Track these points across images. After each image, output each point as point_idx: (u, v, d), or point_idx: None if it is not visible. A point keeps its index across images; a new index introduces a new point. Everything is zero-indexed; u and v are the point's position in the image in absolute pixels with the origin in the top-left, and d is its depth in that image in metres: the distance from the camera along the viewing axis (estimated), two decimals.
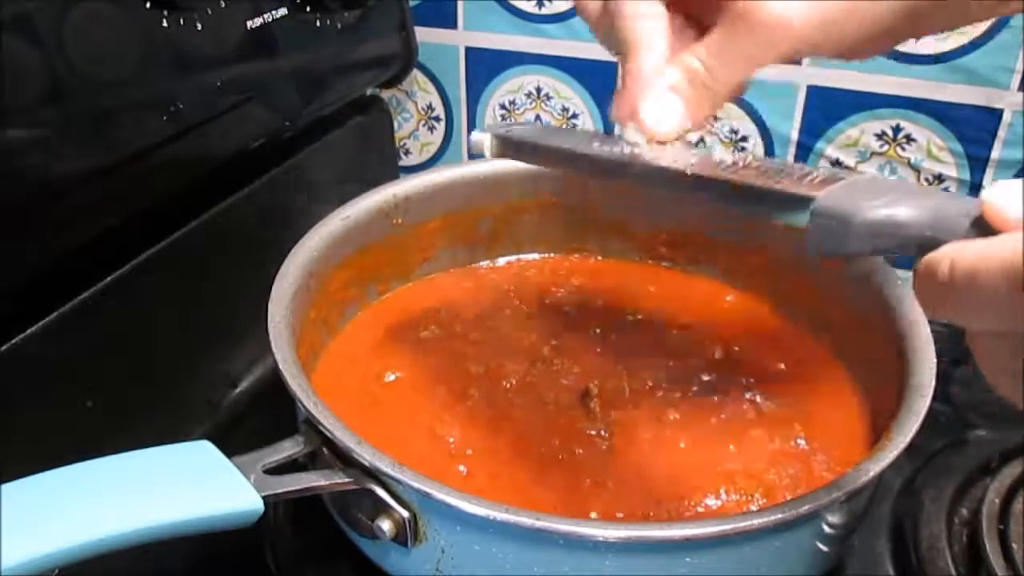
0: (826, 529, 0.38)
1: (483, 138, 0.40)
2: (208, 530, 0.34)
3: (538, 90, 0.75)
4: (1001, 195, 0.24)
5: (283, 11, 0.55)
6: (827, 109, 0.67)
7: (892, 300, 0.47)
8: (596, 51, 0.71)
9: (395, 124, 0.80)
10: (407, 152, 0.83)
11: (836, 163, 0.68)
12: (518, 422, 0.47)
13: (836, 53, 0.33)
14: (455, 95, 0.78)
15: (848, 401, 0.49)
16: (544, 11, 0.71)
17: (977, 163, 0.65)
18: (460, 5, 0.73)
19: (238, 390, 0.59)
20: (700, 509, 0.42)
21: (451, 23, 0.74)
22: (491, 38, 0.73)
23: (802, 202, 0.30)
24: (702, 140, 0.71)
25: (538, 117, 0.76)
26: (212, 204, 0.55)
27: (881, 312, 0.47)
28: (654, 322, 0.56)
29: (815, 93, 0.66)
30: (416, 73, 0.77)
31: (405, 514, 0.37)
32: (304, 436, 0.39)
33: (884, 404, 0.43)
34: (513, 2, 0.71)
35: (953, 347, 0.60)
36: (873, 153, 0.67)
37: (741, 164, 0.33)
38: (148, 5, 0.45)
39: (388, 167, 0.77)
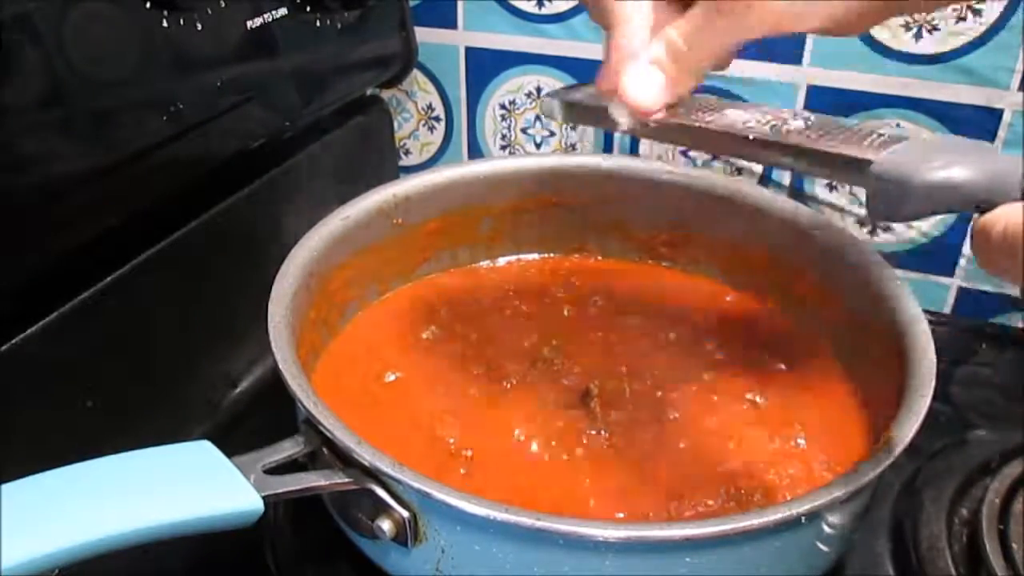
0: (826, 529, 0.38)
1: (553, 104, 0.41)
2: (208, 530, 0.34)
3: (538, 90, 0.74)
4: None
5: (283, 11, 0.55)
6: (827, 109, 0.67)
7: (892, 300, 0.47)
8: (596, 51, 0.71)
9: (395, 124, 0.80)
10: (407, 152, 0.83)
11: None
12: (518, 422, 0.47)
13: (817, 31, 0.33)
14: (455, 95, 0.78)
15: (848, 401, 0.49)
16: (544, 11, 0.71)
17: None
18: (460, 5, 0.73)
19: (238, 390, 0.59)
20: (700, 509, 0.42)
21: (451, 23, 0.74)
22: (491, 38, 0.73)
23: (861, 165, 0.31)
24: None
25: (538, 118, 0.76)
26: (212, 204, 0.55)
27: (881, 312, 0.47)
28: (654, 322, 0.56)
29: (815, 93, 0.66)
30: (416, 73, 0.77)
31: (405, 514, 0.37)
32: (304, 436, 0.39)
33: (884, 404, 0.43)
34: (513, 2, 0.71)
35: (953, 347, 0.60)
36: None
37: (804, 125, 0.34)
38: (148, 5, 0.45)
39: (388, 167, 0.77)
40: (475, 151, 0.80)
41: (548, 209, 0.61)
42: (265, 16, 0.53)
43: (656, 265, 0.62)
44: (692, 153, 0.72)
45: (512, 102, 0.76)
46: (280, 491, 0.36)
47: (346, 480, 0.37)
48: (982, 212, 0.27)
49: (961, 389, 0.57)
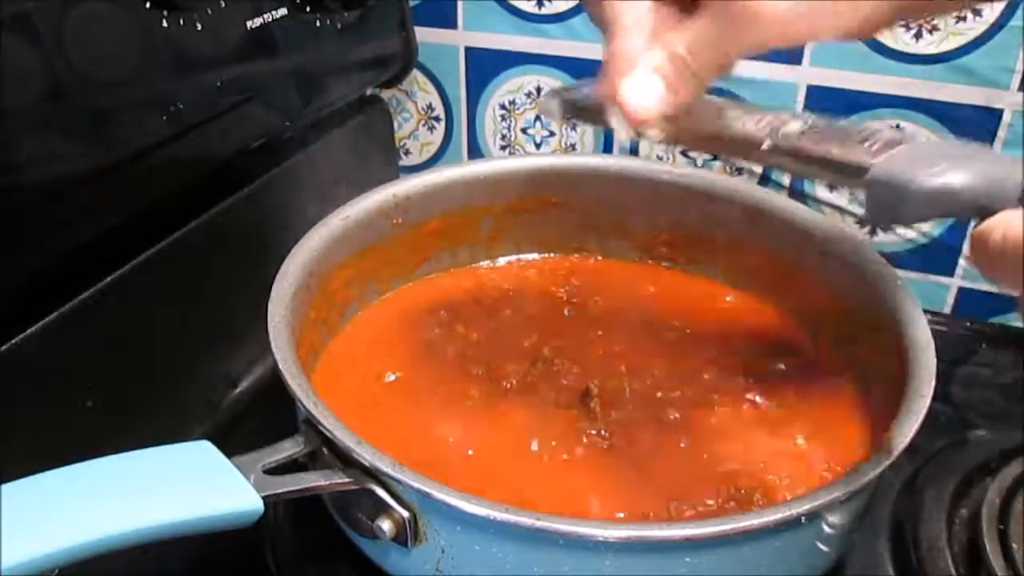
0: (826, 529, 0.38)
1: (551, 103, 0.40)
2: (208, 530, 0.34)
3: (538, 90, 0.74)
4: None
5: (283, 11, 0.55)
6: (827, 109, 0.66)
7: (892, 300, 0.47)
8: (596, 51, 0.71)
9: (395, 124, 0.80)
10: (407, 152, 0.83)
11: None
12: (518, 422, 0.47)
13: (825, 38, 0.33)
14: (455, 95, 0.78)
15: (848, 401, 0.49)
16: (544, 11, 0.71)
17: None
18: (460, 5, 0.73)
19: (238, 390, 0.59)
20: (700, 509, 0.42)
21: (451, 23, 0.74)
22: (491, 38, 0.73)
23: (859, 170, 0.30)
24: None
25: (538, 118, 0.76)
26: (212, 204, 0.55)
27: (881, 312, 0.47)
28: (654, 322, 0.56)
29: (815, 93, 0.66)
30: (416, 73, 0.77)
31: (405, 514, 0.37)
32: (304, 436, 0.39)
33: (884, 404, 0.43)
34: (513, 2, 0.71)
35: (953, 347, 0.60)
36: None
37: (802, 127, 0.34)
38: (148, 5, 0.45)
39: (388, 167, 0.77)
40: (475, 151, 0.80)
41: (548, 209, 0.61)
42: (265, 16, 0.53)
43: (656, 265, 0.62)
44: (692, 153, 0.72)
45: (512, 102, 0.76)
46: (280, 491, 0.36)
47: (346, 480, 0.37)
48: (981, 218, 0.27)
49: (961, 389, 0.57)
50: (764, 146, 0.34)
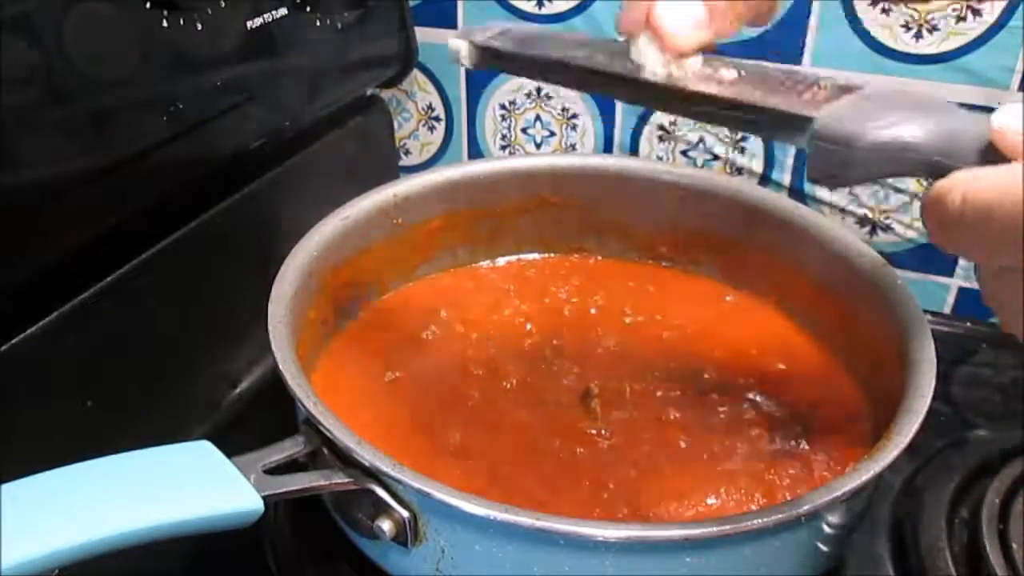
0: (826, 529, 0.38)
1: (460, 45, 0.36)
2: (208, 530, 0.34)
3: (538, 90, 0.74)
4: (1012, 121, 0.23)
5: (283, 11, 0.55)
6: None
7: (892, 300, 0.47)
8: None
9: (395, 124, 0.79)
10: (407, 152, 0.83)
11: None
12: (518, 422, 0.47)
13: None
14: (455, 95, 0.77)
15: (848, 401, 0.49)
16: (544, 11, 0.71)
17: None
18: (460, 5, 0.73)
19: (238, 390, 0.59)
20: (700, 509, 0.42)
21: (451, 23, 0.74)
22: None
23: (801, 122, 0.27)
24: (702, 140, 0.71)
25: (538, 118, 0.76)
26: (212, 204, 0.55)
27: (881, 312, 0.47)
28: (654, 322, 0.56)
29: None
30: (416, 73, 0.77)
31: (405, 514, 0.37)
32: (304, 436, 0.39)
33: (884, 404, 0.43)
34: (513, 2, 0.71)
35: (953, 347, 0.60)
36: None
37: (738, 75, 0.31)
38: (148, 5, 0.45)
39: (388, 167, 0.77)
40: (475, 151, 0.80)
41: (548, 209, 0.61)
42: (265, 16, 0.53)
43: (656, 265, 0.62)
44: (692, 153, 0.72)
45: (512, 102, 0.76)
46: (280, 491, 0.36)
47: (346, 480, 0.37)
48: (935, 178, 0.24)
49: (961, 389, 0.57)
50: (687, 90, 0.30)
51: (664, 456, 0.45)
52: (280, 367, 0.41)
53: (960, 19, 0.60)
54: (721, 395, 0.49)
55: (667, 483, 0.43)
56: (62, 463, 0.33)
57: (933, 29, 0.61)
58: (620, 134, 0.74)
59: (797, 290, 0.55)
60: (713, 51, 0.32)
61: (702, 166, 0.71)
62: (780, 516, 0.34)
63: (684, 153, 0.72)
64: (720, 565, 0.36)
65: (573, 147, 0.76)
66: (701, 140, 0.71)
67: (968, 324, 0.65)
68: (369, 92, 0.74)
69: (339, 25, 0.61)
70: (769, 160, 0.70)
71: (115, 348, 0.48)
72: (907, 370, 0.42)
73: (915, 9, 0.60)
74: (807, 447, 0.46)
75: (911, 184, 0.66)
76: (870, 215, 0.68)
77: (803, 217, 0.55)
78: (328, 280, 0.52)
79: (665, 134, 0.72)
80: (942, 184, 0.24)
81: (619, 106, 0.72)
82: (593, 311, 0.57)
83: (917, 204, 0.67)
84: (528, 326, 0.55)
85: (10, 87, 0.38)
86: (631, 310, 0.57)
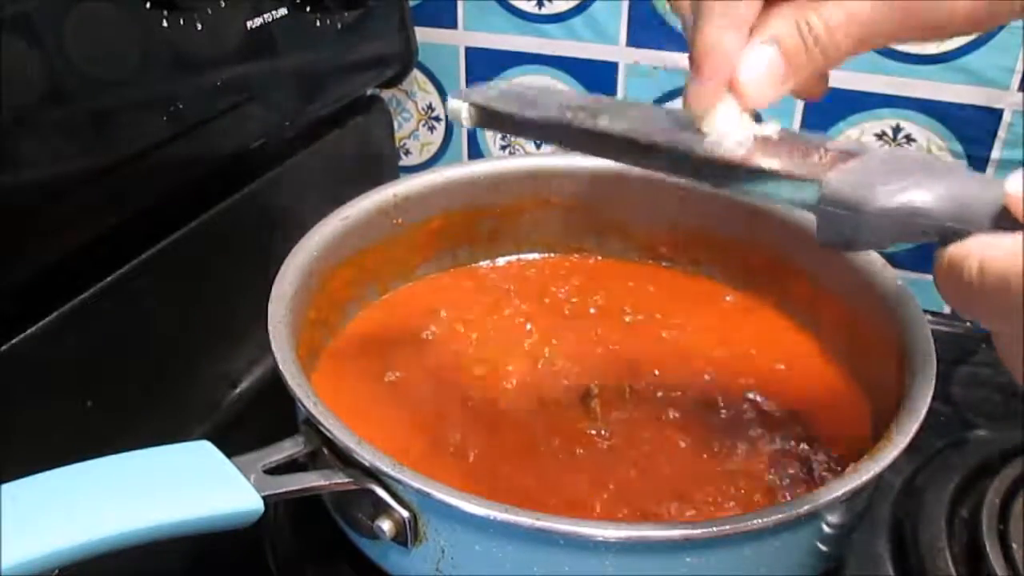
0: (826, 529, 0.38)
1: (460, 107, 0.36)
2: (208, 530, 0.34)
3: None
4: None
5: (283, 11, 0.55)
6: (827, 109, 0.67)
7: (892, 300, 0.47)
8: (596, 51, 0.71)
9: (395, 124, 0.80)
10: (407, 152, 0.83)
11: None
12: (518, 422, 0.47)
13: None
14: None
15: (848, 401, 0.49)
16: (544, 11, 0.71)
17: (977, 163, 0.65)
18: (460, 5, 0.73)
19: (238, 390, 0.59)
20: (700, 509, 0.42)
21: (451, 23, 0.74)
22: (491, 38, 0.73)
23: (808, 186, 0.27)
24: None
25: None
26: (212, 204, 0.55)
27: (881, 312, 0.47)
28: (654, 322, 0.56)
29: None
30: (416, 73, 0.77)
31: (405, 514, 0.37)
32: (304, 436, 0.39)
33: (884, 404, 0.43)
34: (513, 2, 0.71)
35: (953, 347, 0.60)
36: None
37: (744, 141, 0.30)
38: (148, 5, 0.45)
39: (388, 167, 0.77)
40: (475, 151, 0.80)
41: (548, 209, 0.61)
42: (265, 16, 0.53)
43: (656, 265, 0.62)
44: None
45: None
46: (280, 491, 0.36)
47: (346, 480, 0.37)
48: (945, 243, 0.24)
49: (961, 389, 0.57)
50: (694, 155, 0.30)
51: (664, 456, 0.45)
52: (280, 367, 0.41)
53: None
54: (721, 395, 0.49)
55: (667, 483, 0.43)
56: (62, 463, 0.33)
57: None
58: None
59: (797, 290, 0.55)
60: None
61: None
62: (780, 516, 0.34)
63: None
64: (720, 565, 0.36)
65: None
66: None
67: (968, 324, 0.65)
68: (369, 92, 0.74)
69: (339, 25, 0.61)
70: None
71: (115, 348, 0.48)
72: (907, 370, 0.42)
73: None
74: (807, 447, 0.46)
75: None
76: None
77: (803, 217, 0.55)
78: (328, 280, 0.52)
79: None
80: (957, 251, 0.23)
81: None
82: (593, 311, 0.57)
83: None
84: (528, 326, 0.55)
85: (10, 87, 0.38)
86: (631, 310, 0.57)
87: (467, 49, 0.75)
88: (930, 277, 0.25)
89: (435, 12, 0.73)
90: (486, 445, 0.46)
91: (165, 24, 0.46)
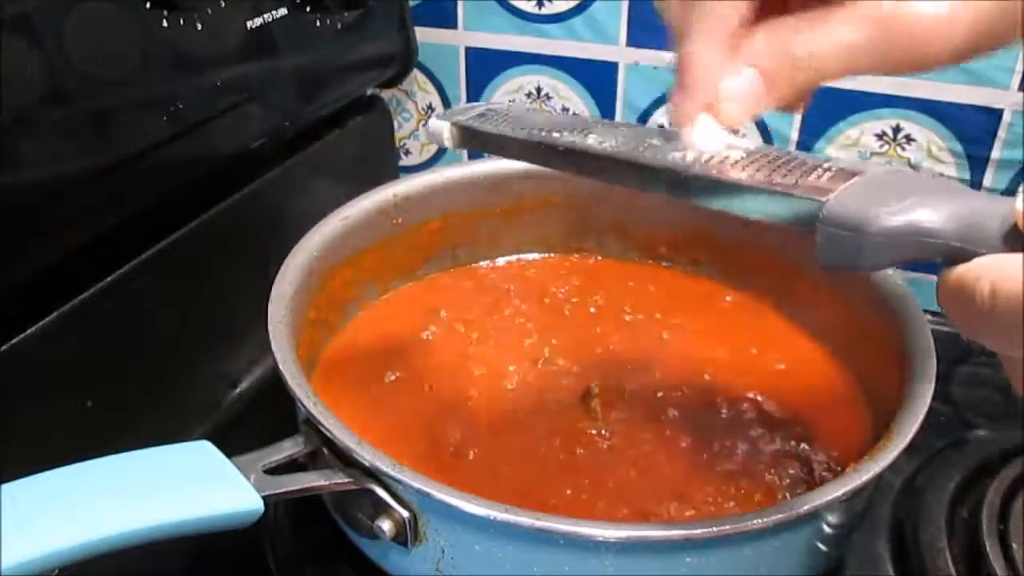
0: (826, 529, 0.38)
1: (442, 127, 0.35)
2: (208, 530, 0.34)
3: (538, 90, 0.74)
4: None
5: (283, 11, 0.55)
6: (827, 109, 0.67)
7: (893, 300, 0.47)
8: (596, 51, 0.71)
9: (395, 124, 0.79)
10: (407, 152, 0.83)
11: None
12: (518, 422, 0.47)
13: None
14: (455, 95, 0.77)
15: (848, 401, 0.49)
16: (544, 11, 0.71)
17: (977, 163, 0.65)
18: (460, 5, 0.73)
19: (238, 390, 0.59)
20: (700, 509, 0.42)
21: (451, 23, 0.74)
22: (491, 38, 0.73)
23: (809, 207, 0.26)
24: None
25: None
26: (212, 204, 0.55)
27: (881, 311, 0.47)
28: (654, 322, 0.56)
29: (815, 92, 0.66)
30: (416, 73, 0.77)
31: (405, 514, 0.37)
32: (304, 436, 0.39)
33: (884, 404, 0.43)
34: (513, 2, 0.71)
35: (953, 347, 0.60)
36: (873, 153, 0.67)
37: (739, 157, 0.30)
38: (148, 5, 0.45)
39: (388, 167, 0.77)
40: (475, 151, 0.80)
41: (548, 209, 0.61)
42: (265, 16, 0.53)
43: (656, 265, 0.62)
44: None
45: (512, 102, 0.76)
46: (280, 491, 0.36)
47: (346, 480, 0.37)
48: (949, 263, 0.23)
49: (961, 389, 0.57)
50: (698, 175, 0.29)
51: (664, 456, 0.45)
52: (280, 367, 0.41)
53: None
54: (721, 395, 0.49)
55: (667, 483, 0.43)
56: (62, 463, 0.33)
57: None
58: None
59: (797, 290, 0.55)
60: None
61: None
62: (780, 516, 0.34)
63: None
64: (720, 565, 0.36)
65: None
66: None
67: None
68: (369, 92, 0.74)
69: (339, 25, 0.61)
70: None
71: (115, 348, 0.48)
72: (907, 370, 0.42)
73: None
74: (807, 447, 0.46)
75: None
76: None
77: None
78: (328, 280, 0.52)
79: None
80: (966, 272, 0.22)
81: (619, 106, 0.72)
82: (593, 311, 0.57)
83: None
84: (528, 326, 0.55)
85: (10, 87, 0.38)
86: (631, 310, 0.57)
87: (467, 49, 0.75)
88: (930, 277, 0.24)
89: (435, 12, 0.73)
90: (486, 445, 0.46)
91: (165, 24, 0.46)
